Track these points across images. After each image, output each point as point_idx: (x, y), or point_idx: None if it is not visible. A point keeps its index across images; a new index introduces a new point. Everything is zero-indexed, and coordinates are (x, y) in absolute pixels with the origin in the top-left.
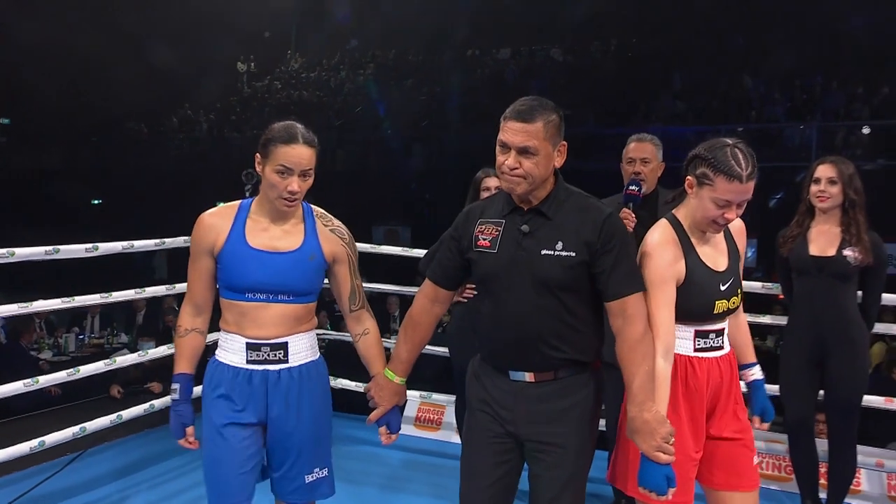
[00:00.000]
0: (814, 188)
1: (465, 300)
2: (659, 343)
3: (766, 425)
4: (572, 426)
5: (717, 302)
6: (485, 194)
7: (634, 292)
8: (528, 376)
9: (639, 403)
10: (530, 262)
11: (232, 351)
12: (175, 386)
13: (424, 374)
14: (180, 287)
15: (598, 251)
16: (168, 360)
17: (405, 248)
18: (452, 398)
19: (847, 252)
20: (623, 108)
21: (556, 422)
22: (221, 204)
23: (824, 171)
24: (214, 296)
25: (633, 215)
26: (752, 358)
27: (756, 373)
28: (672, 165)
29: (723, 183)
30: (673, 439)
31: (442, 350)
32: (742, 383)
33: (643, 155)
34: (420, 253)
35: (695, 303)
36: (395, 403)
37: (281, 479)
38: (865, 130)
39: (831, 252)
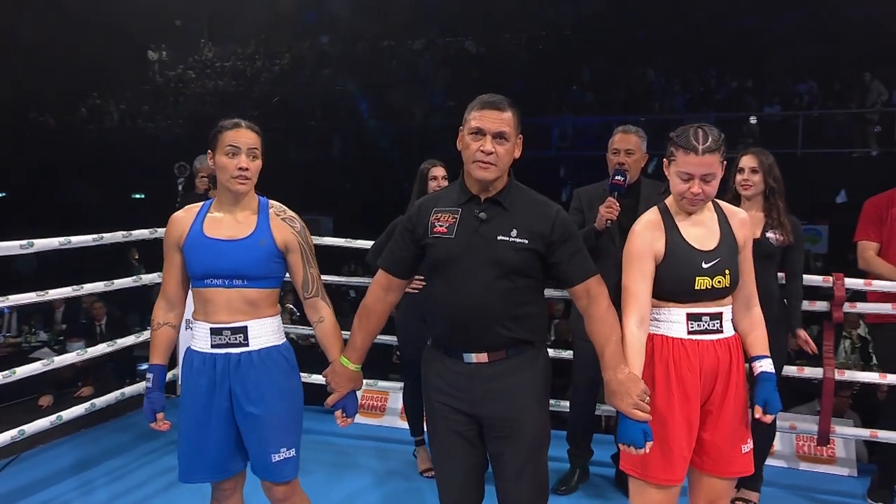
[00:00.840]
0: (738, 177)
1: (415, 291)
2: (633, 312)
3: (768, 417)
4: (528, 400)
5: (697, 278)
6: (432, 183)
7: (593, 275)
8: (481, 356)
9: (612, 368)
10: (487, 247)
11: (200, 338)
12: (149, 375)
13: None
14: (119, 283)
15: (553, 243)
16: (101, 360)
17: (349, 240)
18: (395, 385)
19: (770, 234)
20: (535, 99)
21: (511, 398)
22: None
23: (747, 161)
24: (186, 291)
25: (618, 204)
26: (762, 351)
27: (764, 365)
28: (583, 154)
29: (682, 156)
30: (647, 397)
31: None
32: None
33: (627, 146)
34: (364, 244)
35: (675, 277)
36: (350, 389)
37: (252, 458)
38: (753, 120)
39: (757, 234)
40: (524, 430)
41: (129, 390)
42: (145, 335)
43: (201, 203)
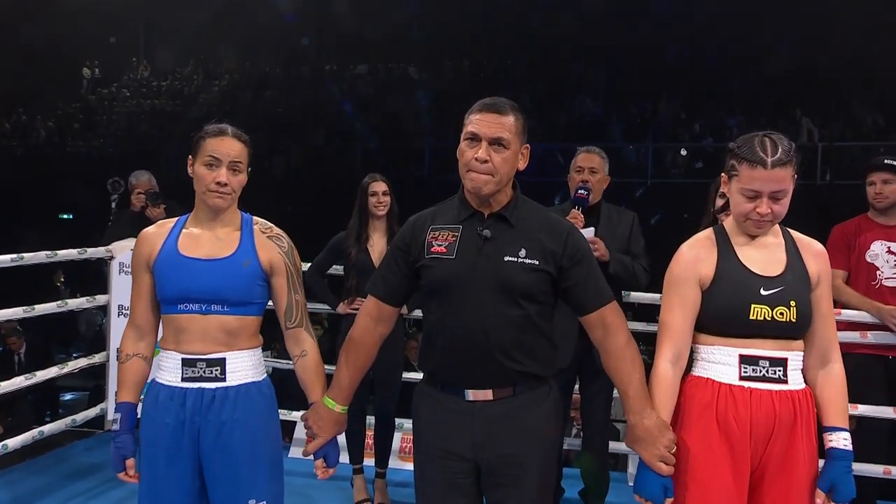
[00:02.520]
0: (720, 202)
1: (355, 311)
2: (667, 347)
3: None
4: (536, 444)
5: (752, 305)
6: (372, 199)
7: (609, 302)
8: (485, 393)
9: (638, 412)
10: (493, 269)
11: (168, 369)
12: (116, 416)
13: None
14: (41, 308)
15: (565, 265)
16: (18, 393)
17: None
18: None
19: None
20: None
21: (518, 441)
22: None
23: None
24: (158, 317)
25: (582, 217)
26: (838, 421)
27: (837, 440)
28: (524, 179)
29: (746, 171)
30: (675, 448)
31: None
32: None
33: (591, 165)
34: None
35: (725, 303)
36: (334, 434)
37: None
38: (683, 152)
39: None
40: (530, 477)
41: (47, 429)
42: (70, 365)
43: (175, 219)
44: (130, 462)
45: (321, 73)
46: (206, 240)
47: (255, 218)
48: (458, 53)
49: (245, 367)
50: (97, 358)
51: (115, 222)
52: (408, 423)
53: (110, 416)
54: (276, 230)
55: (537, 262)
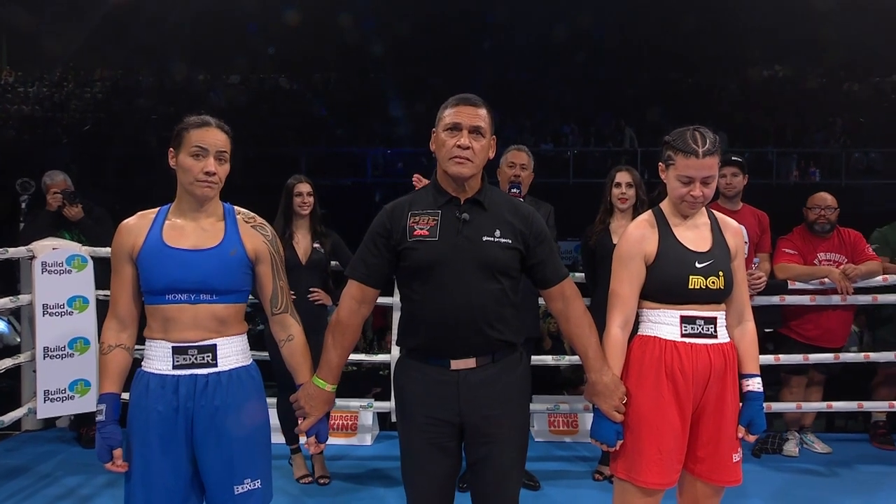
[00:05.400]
0: (616, 191)
1: None
2: (617, 314)
3: (751, 437)
4: (513, 404)
5: (690, 276)
6: (297, 199)
7: (567, 277)
8: (469, 362)
9: (597, 370)
10: (473, 248)
11: (157, 358)
12: (101, 406)
13: None
14: None
15: (531, 244)
16: None
17: None
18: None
19: None
20: (349, 131)
21: (498, 403)
22: None
23: (623, 177)
24: (140, 309)
25: None
26: (752, 369)
27: (752, 384)
28: (398, 181)
29: (682, 160)
30: (626, 399)
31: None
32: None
33: (521, 161)
34: None
35: (669, 276)
36: (324, 412)
37: (210, 490)
38: None
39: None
40: (511, 434)
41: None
42: None
43: (156, 209)
44: (118, 452)
45: (195, 83)
46: (191, 231)
47: (236, 207)
48: (327, 67)
49: (235, 351)
50: (22, 357)
51: (30, 223)
52: (340, 402)
53: (39, 415)
54: (259, 219)
55: (510, 241)
